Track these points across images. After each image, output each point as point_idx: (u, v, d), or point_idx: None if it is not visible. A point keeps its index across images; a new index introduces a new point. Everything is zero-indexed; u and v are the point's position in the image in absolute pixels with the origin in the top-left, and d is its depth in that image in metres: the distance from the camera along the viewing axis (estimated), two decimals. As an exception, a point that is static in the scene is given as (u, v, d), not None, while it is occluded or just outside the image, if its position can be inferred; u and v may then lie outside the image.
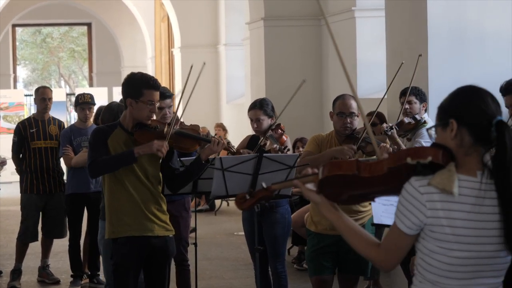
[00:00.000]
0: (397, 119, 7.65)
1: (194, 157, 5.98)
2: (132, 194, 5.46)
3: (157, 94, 5.52)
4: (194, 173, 5.72)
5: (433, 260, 3.11)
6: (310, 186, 3.32)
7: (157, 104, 5.57)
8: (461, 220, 3.04)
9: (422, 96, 7.68)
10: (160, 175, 5.63)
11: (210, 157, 5.82)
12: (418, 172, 3.05)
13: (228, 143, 5.95)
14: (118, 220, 5.50)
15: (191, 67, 5.89)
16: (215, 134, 12.12)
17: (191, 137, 5.82)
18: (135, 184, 5.47)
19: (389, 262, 3.19)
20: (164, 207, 5.64)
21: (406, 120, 7.57)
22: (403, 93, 7.66)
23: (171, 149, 5.58)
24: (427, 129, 3.17)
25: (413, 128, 7.68)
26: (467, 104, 3.09)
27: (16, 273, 9.04)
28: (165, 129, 5.60)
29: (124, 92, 5.55)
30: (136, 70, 6.13)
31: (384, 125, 7.34)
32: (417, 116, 7.63)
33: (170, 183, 5.73)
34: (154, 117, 5.76)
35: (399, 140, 7.31)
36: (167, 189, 6.09)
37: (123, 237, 5.49)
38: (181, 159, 6.17)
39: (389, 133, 7.17)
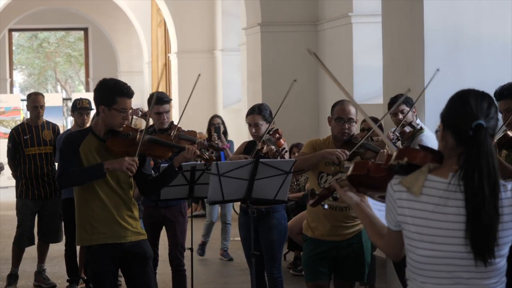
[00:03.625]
0: (395, 130, 7.57)
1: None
2: (104, 201, 5.44)
3: (130, 102, 5.48)
4: (167, 180, 5.74)
5: (408, 257, 3.25)
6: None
7: (129, 111, 5.54)
8: (424, 219, 3.14)
9: (411, 102, 7.64)
10: (132, 180, 5.61)
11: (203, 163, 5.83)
12: (396, 172, 3.24)
13: (201, 150, 5.95)
14: (91, 228, 5.47)
15: (168, 55, 5.87)
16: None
17: (163, 145, 5.79)
18: (107, 191, 5.45)
19: (389, 251, 3.38)
20: (136, 213, 5.62)
21: (407, 129, 7.53)
22: (392, 103, 7.59)
23: (143, 155, 5.57)
24: (436, 131, 3.29)
25: (410, 135, 7.66)
26: (450, 109, 3.21)
27: (13, 277, 9.04)
28: (138, 136, 5.54)
29: (96, 99, 5.52)
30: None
31: (390, 135, 7.25)
32: (414, 124, 7.61)
33: (142, 188, 5.72)
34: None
35: None
36: (168, 195, 6.09)
37: (97, 245, 5.49)
38: (162, 165, 6.18)
39: (397, 144, 7.15)
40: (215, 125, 10.18)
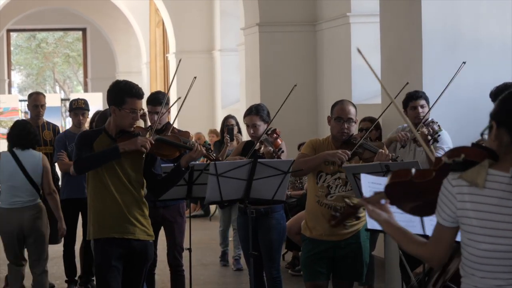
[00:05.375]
0: (428, 124, 7.39)
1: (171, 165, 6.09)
2: (116, 197, 5.57)
3: (140, 103, 5.65)
4: (175, 180, 5.85)
5: (466, 253, 3.26)
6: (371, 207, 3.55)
7: (140, 112, 5.66)
8: (487, 213, 3.17)
9: (429, 100, 7.50)
10: (144, 180, 5.72)
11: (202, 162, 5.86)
12: (453, 169, 3.26)
13: (208, 150, 6.00)
14: (100, 222, 5.62)
15: (173, 54, 5.94)
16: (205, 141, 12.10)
17: (172, 144, 5.91)
18: (119, 188, 5.58)
19: (436, 256, 3.35)
20: (146, 212, 5.74)
21: (436, 127, 7.39)
22: (415, 98, 7.36)
23: (153, 155, 5.68)
24: (481, 134, 3.32)
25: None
26: (503, 107, 3.25)
27: (11, 278, 9.01)
28: (147, 136, 5.71)
29: (108, 100, 5.68)
30: (131, 76, 6.21)
31: (424, 130, 7.01)
32: (435, 121, 7.40)
33: (152, 188, 5.84)
34: (144, 124, 5.82)
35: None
36: (166, 195, 6.12)
37: (105, 238, 5.60)
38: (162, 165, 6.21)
39: (438, 140, 6.98)
40: (229, 126, 9.95)
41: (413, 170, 3.41)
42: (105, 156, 5.53)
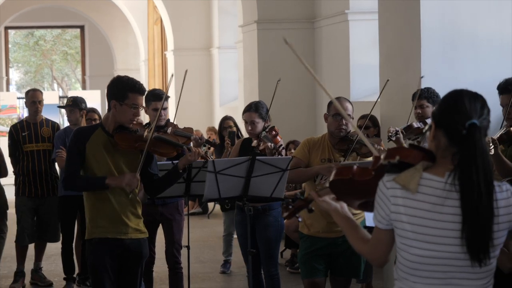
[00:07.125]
0: (407, 123, 7.46)
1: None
2: (109, 196, 5.55)
3: (141, 99, 5.60)
4: (171, 181, 5.83)
5: (400, 256, 3.20)
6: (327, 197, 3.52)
7: (141, 109, 5.63)
8: (420, 218, 3.10)
9: (435, 99, 7.39)
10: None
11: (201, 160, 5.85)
12: (387, 171, 3.20)
13: (206, 152, 5.99)
14: (94, 222, 5.60)
15: (172, 75, 6.01)
16: (209, 137, 12.08)
17: (170, 144, 5.87)
18: (114, 187, 5.53)
19: (374, 256, 3.30)
20: (139, 211, 5.72)
21: (415, 124, 7.32)
22: (415, 97, 7.44)
23: (150, 154, 5.66)
24: (424, 131, 3.26)
25: (420, 132, 7.50)
26: (443, 108, 3.18)
27: (19, 275, 9.03)
28: (145, 133, 5.63)
29: (109, 94, 5.63)
30: (129, 73, 6.19)
31: (391, 129, 7.06)
32: (428, 121, 7.39)
33: (148, 188, 5.83)
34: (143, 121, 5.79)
35: (405, 145, 7.09)
36: (165, 193, 6.11)
37: (97, 238, 5.59)
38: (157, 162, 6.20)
39: (393, 138, 6.98)
40: (227, 128, 9.75)
41: (355, 167, 3.35)
42: (93, 186, 5.56)
